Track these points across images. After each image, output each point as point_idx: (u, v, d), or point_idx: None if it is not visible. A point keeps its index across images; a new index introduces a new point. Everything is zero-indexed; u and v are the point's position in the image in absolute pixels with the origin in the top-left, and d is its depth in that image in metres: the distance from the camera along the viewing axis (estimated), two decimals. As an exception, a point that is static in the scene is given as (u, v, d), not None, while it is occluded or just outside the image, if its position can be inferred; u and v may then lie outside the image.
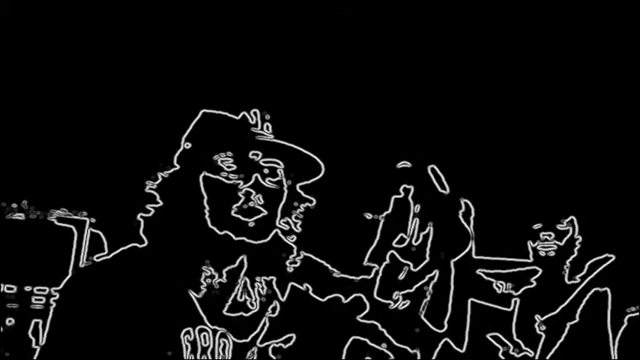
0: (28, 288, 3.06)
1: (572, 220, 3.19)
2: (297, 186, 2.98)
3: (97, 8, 3.18)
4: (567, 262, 3.19)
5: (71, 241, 3.05)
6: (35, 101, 3.16)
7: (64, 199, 3.10)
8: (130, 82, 3.19)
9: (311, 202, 3.02)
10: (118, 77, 3.20)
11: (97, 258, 2.96)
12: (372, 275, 3.10)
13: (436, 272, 3.12)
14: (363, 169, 3.19)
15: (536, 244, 3.20)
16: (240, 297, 2.92)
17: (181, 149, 2.89)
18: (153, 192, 2.85)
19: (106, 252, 3.01)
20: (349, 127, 3.29)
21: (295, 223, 3.03)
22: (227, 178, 2.91)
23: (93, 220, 3.10)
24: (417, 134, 3.35)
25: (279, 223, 2.99)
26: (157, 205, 2.83)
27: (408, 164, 3.11)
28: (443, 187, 3.10)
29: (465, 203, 3.14)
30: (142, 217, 2.85)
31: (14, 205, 3.03)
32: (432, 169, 3.10)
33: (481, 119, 3.40)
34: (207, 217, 2.84)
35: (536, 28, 3.39)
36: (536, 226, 3.20)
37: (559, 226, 3.19)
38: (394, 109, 3.36)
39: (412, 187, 3.10)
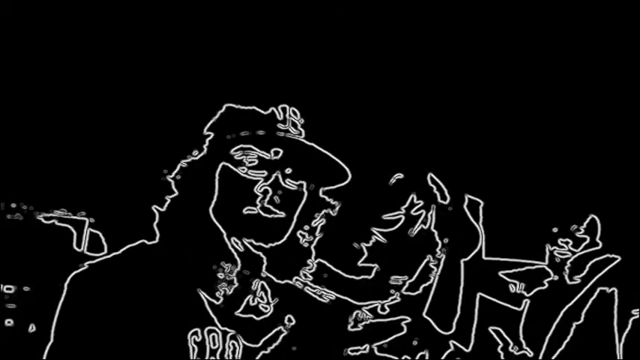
0: (26, 288, 3.04)
1: (591, 225, 3.14)
2: (321, 190, 2.95)
3: (99, 7, 3.17)
4: (568, 262, 3.14)
5: (70, 241, 3.04)
6: (34, 101, 3.15)
7: (62, 199, 3.08)
8: (128, 82, 3.18)
9: (333, 207, 2.98)
10: (116, 77, 3.18)
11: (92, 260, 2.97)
12: (372, 275, 3.08)
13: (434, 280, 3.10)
14: (367, 170, 3.16)
15: (553, 248, 3.16)
16: (253, 300, 2.90)
17: (206, 141, 2.86)
18: (170, 180, 2.86)
19: (105, 252, 3.03)
20: (349, 127, 3.25)
21: (314, 229, 2.99)
22: (246, 172, 2.89)
23: (92, 220, 3.09)
24: (425, 136, 3.30)
25: (300, 232, 2.98)
26: (173, 196, 2.86)
27: (401, 175, 3.08)
28: (443, 197, 3.08)
29: (470, 200, 3.10)
30: (156, 208, 2.85)
31: (13, 205, 3.02)
32: (432, 178, 3.08)
33: (494, 121, 3.34)
34: (212, 213, 2.83)
35: (546, 26, 3.34)
36: (556, 230, 3.15)
37: (577, 234, 3.15)
38: (400, 110, 3.31)
39: (414, 196, 3.08)
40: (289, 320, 2.95)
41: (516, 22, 3.32)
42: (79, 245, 3.04)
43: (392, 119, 3.28)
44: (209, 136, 2.91)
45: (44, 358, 2.83)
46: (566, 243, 3.16)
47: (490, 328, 3.11)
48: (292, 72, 3.25)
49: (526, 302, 3.15)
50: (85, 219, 3.06)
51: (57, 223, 3.03)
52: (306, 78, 3.25)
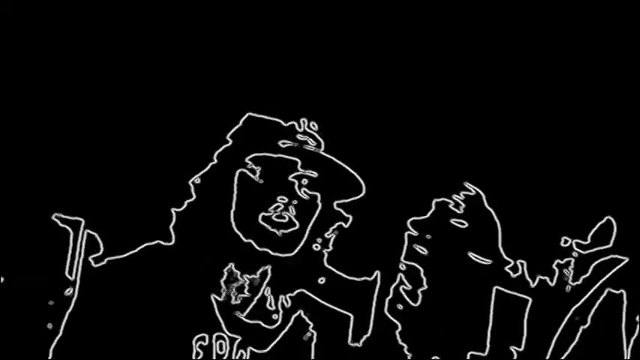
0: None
1: (606, 226, 3.07)
2: (335, 203, 2.95)
3: (100, 7, 3.16)
4: (572, 263, 3.07)
5: (67, 241, 3.00)
6: (32, 102, 3.15)
7: (59, 200, 3.06)
8: (127, 83, 3.17)
9: (346, 221, 2.97)
10: (116, 79, 3.18)
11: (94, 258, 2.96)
12: (373, 277, 3.04)
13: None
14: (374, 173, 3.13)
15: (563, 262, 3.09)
16: (262, 307, 2.91)
17: (223, 147, 2.92)
18: (191, 185, 2.91)
19: (101, 252, 3.01)
20: (351, 128, 3.21)
21: (328, 241, 2.98)
22: (259, 177, 2.88)
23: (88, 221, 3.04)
24: (426, 138, 3.26)
25: (315, 245, 2.95)
26: (191, 200, 2.91)
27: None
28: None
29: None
30: (175, 211, 2.89)
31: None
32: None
33: (501, 123, 3.29)
34: (232, 220, 2.88)
35: (554, 27, 3.29)
36: (565, 244, 3.08)
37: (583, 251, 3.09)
38: (406, 112, 3.26)
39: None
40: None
41: (523, 20, 3.27)
42: (75, 245, 3.00)
43: (397, 121, 3.24)
44: (228, 142, 2.96)
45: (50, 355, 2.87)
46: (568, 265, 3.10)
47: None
48: (293, 74, 3.23)
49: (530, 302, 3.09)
50: (82, 220, 3.02)
51: (59, 223, 3.01)
52: (307, 79, 3.23)
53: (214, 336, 2.86)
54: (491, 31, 3.24)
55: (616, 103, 3.27)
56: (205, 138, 3.01)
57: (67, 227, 3.00)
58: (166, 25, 3.16)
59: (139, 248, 2.90)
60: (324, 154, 2.99)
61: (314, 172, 2.95)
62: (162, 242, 2.90)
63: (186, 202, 2.92)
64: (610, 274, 3.07)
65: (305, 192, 2.92)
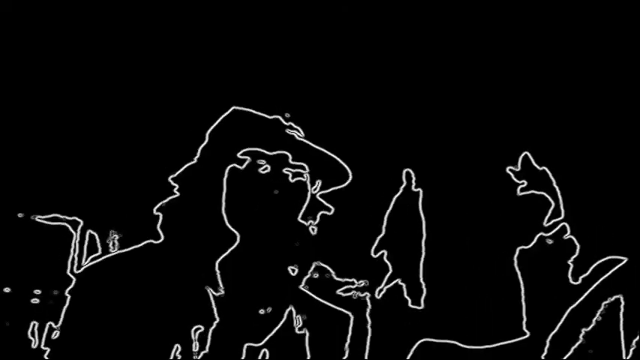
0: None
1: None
2: (318, 194, 2.94)
3: (99, 8, 3.14)
4: (569, 261, 3.07)
5: (67, 241, 3.03)
6: (31, 103, 3.14)
7: (58, 200, 3.06)
8: (127, 83, 3.15)
9: (329, 210, 2.98)
10: (114, 79, 3.16)
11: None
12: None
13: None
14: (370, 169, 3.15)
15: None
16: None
17: (206, 141, 2.91)
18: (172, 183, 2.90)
19: (99, 252, 3.04)
20: (350, 125, 3.21)
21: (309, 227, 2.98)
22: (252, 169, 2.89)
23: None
24: (420, 136, 3.25)
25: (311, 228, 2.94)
26: (174, 197, 2.90)
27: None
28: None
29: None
30: (159, 208, 2.88)
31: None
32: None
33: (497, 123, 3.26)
34: (223, 213, 2.90)
35: (565, 27, 3.26)
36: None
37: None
38: (404, 110, 3.26)
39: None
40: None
41: (525, 19, 3.24)
42: (74, 245, 3.02)
43: (397, 118, 3.23)
44: (213, 138, 2.95)
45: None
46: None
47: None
48: (294, 71, 3.21)
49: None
50: (79, 220, 3.02)
51: (52, 223, 3.02)
52: (309, 77, 3.21)
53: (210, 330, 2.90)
54: (491, 29, 3.22)
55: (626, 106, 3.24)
56: (190, 135, 3.00)
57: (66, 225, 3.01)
58: (153, 22, 3.15)
59: (129, 248, 2.91)
60: (311, 144, 3.00)
61: (304, 164, 2.96)
62: (153, 241, 2.91)
63: (168, 201, 2.91)
64: (608, 274, 3.07)
65: (288, 170, 2.94)
